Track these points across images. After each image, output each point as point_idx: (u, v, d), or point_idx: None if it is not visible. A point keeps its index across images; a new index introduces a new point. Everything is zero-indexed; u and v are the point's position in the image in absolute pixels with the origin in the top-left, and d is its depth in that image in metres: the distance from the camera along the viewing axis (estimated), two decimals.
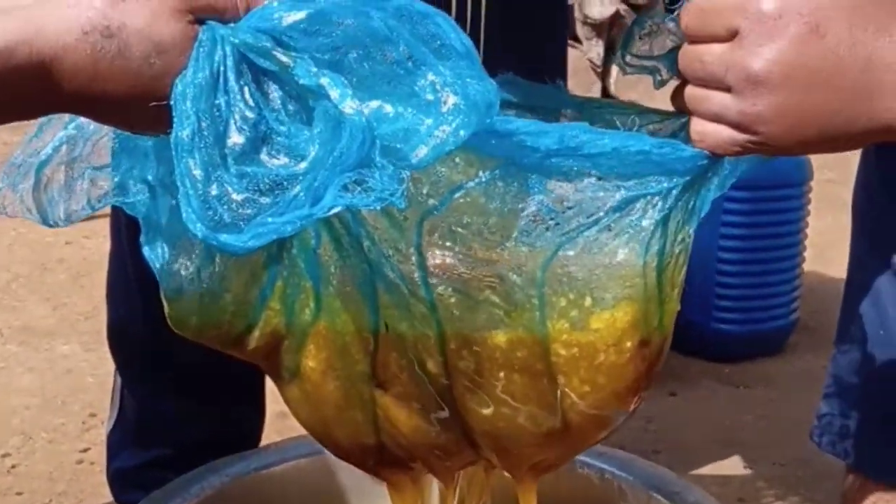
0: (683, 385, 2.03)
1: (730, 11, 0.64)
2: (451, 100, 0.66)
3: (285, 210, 0.62)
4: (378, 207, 0.61)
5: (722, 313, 2.13)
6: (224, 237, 0.62)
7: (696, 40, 0.68)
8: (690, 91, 0.69)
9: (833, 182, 2.96)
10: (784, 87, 0.63)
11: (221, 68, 0.66)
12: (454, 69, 0.68)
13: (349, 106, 0.63)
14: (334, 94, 0.63)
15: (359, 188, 0.61)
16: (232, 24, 0.68)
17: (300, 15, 0.67)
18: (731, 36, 0.64)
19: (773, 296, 2.17)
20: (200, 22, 0.67)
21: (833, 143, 0.66)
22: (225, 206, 0.62)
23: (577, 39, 4.05)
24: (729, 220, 2.08)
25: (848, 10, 0.61)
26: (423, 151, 0.65)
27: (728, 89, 0.65)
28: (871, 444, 1.19)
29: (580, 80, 4.32)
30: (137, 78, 0.66)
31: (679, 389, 2.01)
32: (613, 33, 4.07)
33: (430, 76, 0.67)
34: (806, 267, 2.27)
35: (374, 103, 0.66)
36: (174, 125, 0.65)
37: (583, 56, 4.10)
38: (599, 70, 4.25)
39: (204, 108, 0.65)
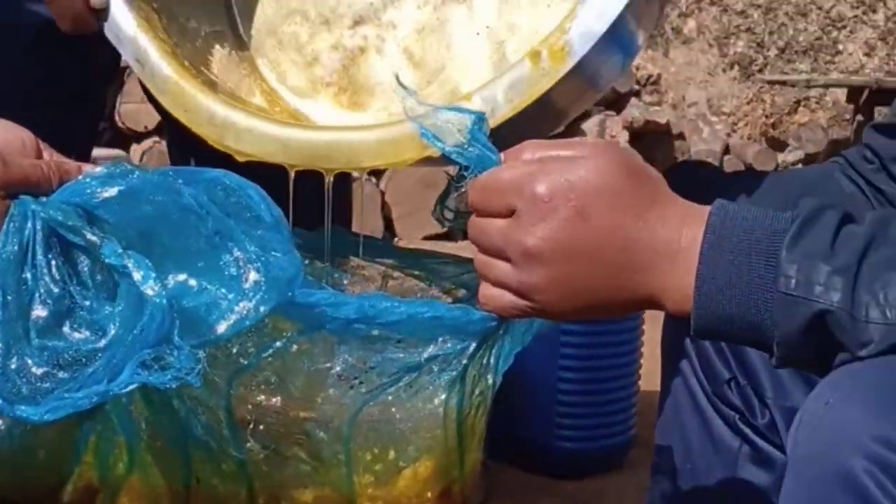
0: (524, 503, 2.07)
1: (508, 192, 0.70)
2: (253, 276, 0.70)
3: (83, 385, 0.64)
4: (174, 386, 0.64)
5: (562, 431, 2.18)
6: (21, 409, 0.63)
7: (480, 214, 0.74)
8: (478, 258, 0.74)
9: None
10: (555, 263, 0.69)
11: (30, 243, 0.68)
12: (261, 243, 0.72)
13: (151, 287, 0.66)
14: (137, 275, 0.66)
15: (156, 366, 0.64)
16: (45, 198, 0.71)
17: (112, 191, 0.71)
18: (510, 213, 0.70)
19: (613, 412, 2.24)
20: (13, 196, 0.70)
21: (602, 311, 0.72)
22: (24, 379, 0.65)
23: None
24: (567, 340, 2.15)
25: (610, 197, 0.68)
26: (223, 326, 0.68)
27: (509, 260, 0.71)
28: None
29: (440, 189, 4.44)
30: None
31: None
32: None
33: (236, 251, 0.71)
34: (644, 381, 2.36)
35: (180, 277, 0.70)
36: None
37: (439, 169, 4.23)
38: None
39: (10, 281, 0.67)
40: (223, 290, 0.70)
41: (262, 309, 0.70)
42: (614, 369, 2.23)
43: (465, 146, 0.73)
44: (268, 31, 0.90)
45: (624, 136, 4.74)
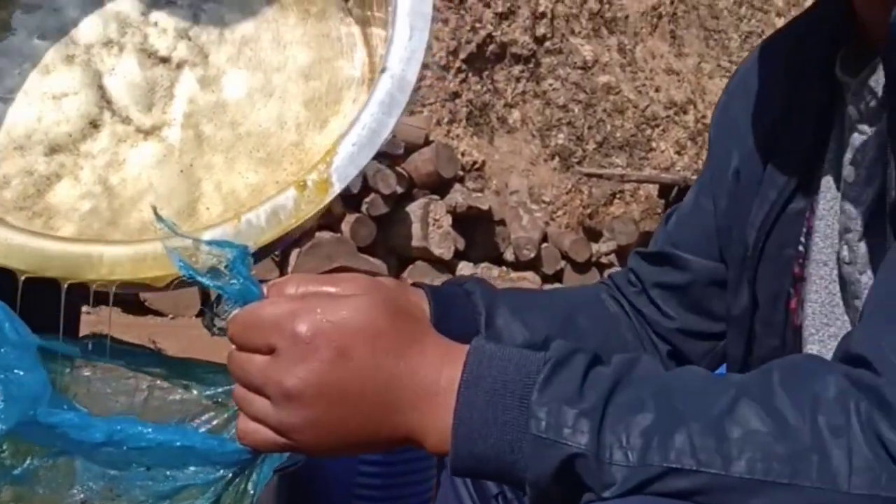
0: None
1: (269, 329, 0.68)
2: None
3: None
4: None
5: None
6: None
7: (240, 349, 0.71)
8: (237, 391, 0.72)
9: None
10: (315, 404, 0.68)
11: None
12: (2, 361, 0.69)
13: None
14: None
15: None
16: None
17: None
18: (270, 351, 0.69)
19: (411, 494, 2.24)
20: None
21: (363, 448, 0.72)
22: None
23: None
24: None
25: (372, 338, 0.68)
26: None
27: (269, 397, 0.69)
28: None
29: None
30: None
31: None
32: None
33: None
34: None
35: None
36: None
37: None
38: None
39: None
40: None
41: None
42: (413, 462, 2.25)
43: (228, 280, 0.72)
44: None
45: (447, 220, 4.83)
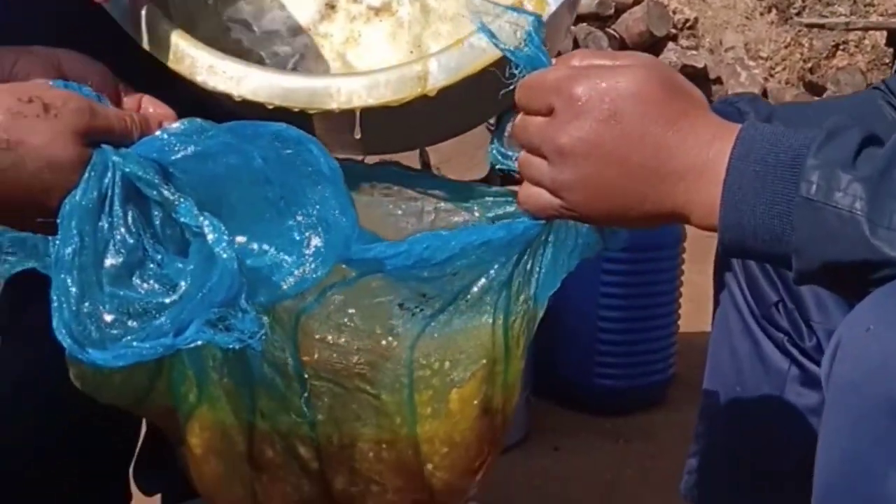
0: (565, 439, 2.10)
1: (549, 91, 0.72)
2: (315, 241, 0.73)
3: (150, 336, 0.66)
4: (236, 346, 0.66)
5: (602, 368, 2.21)
6: (90, 353, 0.65)
7: (525, 112, 0.76)
8: (522, 156, 0.77)
9: (712, 237, 3.09)
10: (585, 162, 0.71)
11: (109, 192, 0.70)
12: (321, 200, 0.74)
13: (223, 250, 0.67)
14: (211, 236, 0.68)
15: (221, 325, 0.66)
16: (124, 150, 0.72)
17: (188, 150, 0.73)
18: (549, 112, 0.73)
19: (652, 351, 2.27)
20: (95, 144, 0.71)
21: (627, 217, 0.73)
22: (95, 324, 0.66)
23: None
24: (608, 279, 2.18)
25: (643, 104, 0.69)
26: (283, 288, 0.71)
27: (545, 157, 0.74)
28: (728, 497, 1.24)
29: (477, 136, 4.44)
30: (28, 190, 0.69)
31: (561, 443, 2.08)
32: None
33: (299, 216, 0.73)
34: (683, 321, 2.37)
35: (242, 238, 0.72)
36: (59, 242, 0.68)
37: None
38: (493, 129, 4.39)
39: (88, 229, 0.69)
40: (283, 255, 0.72)
41: (319, 273, 0.72)
42: (653, 307, 2.27)
43: (521, 46, 0.75)
44: (209, 41, 0.94)
45: None
